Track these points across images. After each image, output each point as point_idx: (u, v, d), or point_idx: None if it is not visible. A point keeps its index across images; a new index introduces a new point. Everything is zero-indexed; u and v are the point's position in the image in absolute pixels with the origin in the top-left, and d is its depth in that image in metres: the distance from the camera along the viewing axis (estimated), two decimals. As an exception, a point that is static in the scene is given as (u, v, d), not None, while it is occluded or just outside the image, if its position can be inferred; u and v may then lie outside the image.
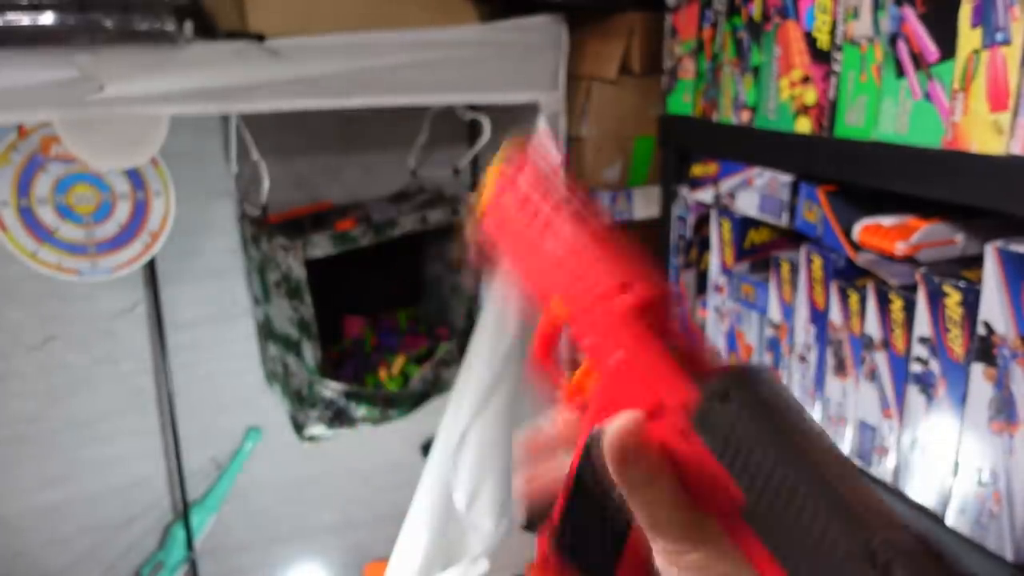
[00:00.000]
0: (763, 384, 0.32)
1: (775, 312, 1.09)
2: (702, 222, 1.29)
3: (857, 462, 0.97)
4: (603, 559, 0.37)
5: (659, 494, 0.33)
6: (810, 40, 0.95)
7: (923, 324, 0.84)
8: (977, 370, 0.78)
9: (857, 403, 0.96)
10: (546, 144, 0.44)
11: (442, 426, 1.49)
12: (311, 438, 1.52)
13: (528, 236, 0.43)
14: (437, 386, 1.56)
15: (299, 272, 1.36)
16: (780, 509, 0.29)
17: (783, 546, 0.28)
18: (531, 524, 0.42)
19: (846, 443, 0.98)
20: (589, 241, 0.40)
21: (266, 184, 1.37)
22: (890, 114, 0.84)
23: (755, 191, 1.08)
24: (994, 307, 0.75)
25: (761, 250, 1.17)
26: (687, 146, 1.28)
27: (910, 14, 0.80)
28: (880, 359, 0.91)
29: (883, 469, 0.93)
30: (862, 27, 0.87)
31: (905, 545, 0.26)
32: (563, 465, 0.40)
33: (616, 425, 0.34)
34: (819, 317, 1.00)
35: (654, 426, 0.34)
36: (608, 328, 0.37)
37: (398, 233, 1.47)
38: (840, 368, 0.98)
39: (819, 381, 1.02)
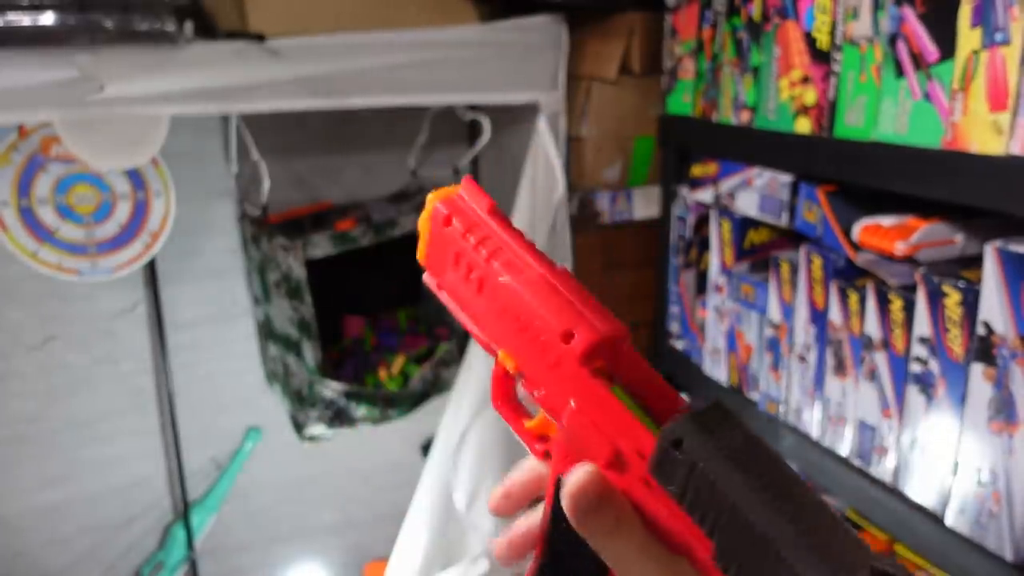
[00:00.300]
0: (718, 425, 0.31)
1: (775, 312, 1.09)
2: (702, 222, 1.29)
3: (857, 462, 0.97)
4: None
5: (626, 543, 0.32)
6: (810, 40, 0.95)
7: (923, 324, 0.84)
8: (977, 370, 0.78)
9: (857, 403, 0.96)
10: (475, 187, 0.40)
11: (442, 426, 1.49)
12: (311, 438, 1.52)
13: (467, 287, 0.40)
14: (437, 386, 1.56)
15: (299, 272, 1.36)
16: (749, 553, 0.28)
17: None
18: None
19: (846, 443, 0.99)
20: (528, 289, 0.38)
21: (266, 184, 1.37)
22: (890, 114, 0.84)
23: (755, 191, 1.08)
24: (994, 307, 0.75)
25: (761, 250, 1.17)
26: (687, 146, 1.28)
27: (910, 14, 0.80)
28: (880, 359, 0.91)
29: (883, 469, 0.93)
30: (862, 27, 0.87)
31: None
32: (536, 515, 0.40)
33: (572, 479, 0.33)
34: (819, 317, 1.00)
35: (615, 476, 0.33)
36: (559, 378, 0.36)
37: (398, 233, 1.47)
38: (840, 368, 0.98)
39: (819, 381, 1.02)
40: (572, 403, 0.36)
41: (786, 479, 0.30)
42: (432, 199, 0.42)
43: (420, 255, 0.43)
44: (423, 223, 0.43)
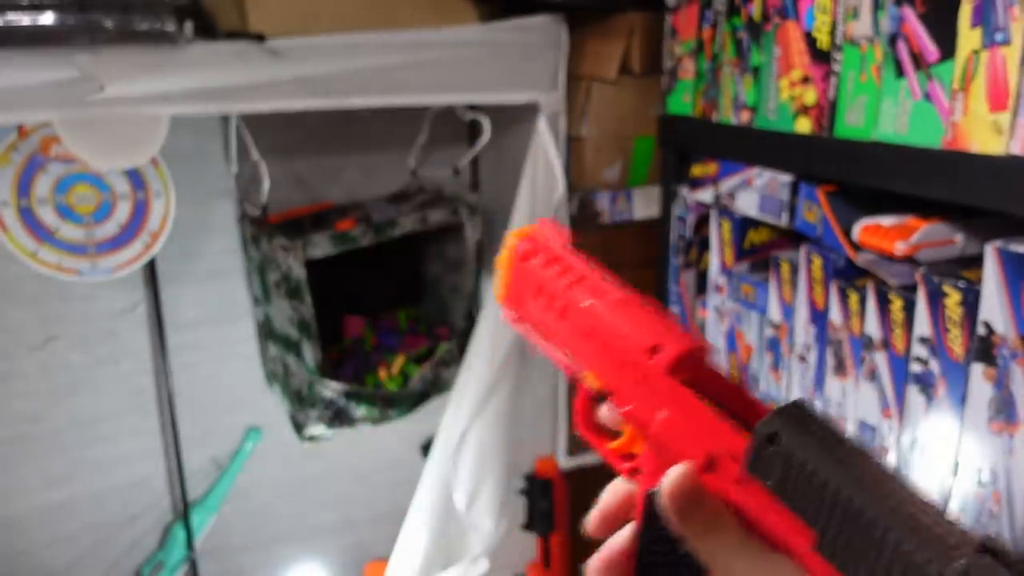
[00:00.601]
0: (807, 419, 0.32)
1: (775, 312, 1.09)
2: (702, 222, 1.29)
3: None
4: None
5: (724, 539, 0.33)
6: (810, 40, 0.95)
7: (923, 324, 0.84)
8: (977, 370, 0.78)
9: (857, 403, 0.96)
10: (552, 224, 0.44)
11: (442, 426, 1.49)
12: (311, 438, 1.52)
13: (549, 315, 0.43)
14: (437, 386, 1.56)
15: (299, 272, 1.36)
16: (855, 538, 0.29)
17: (865, 574, 0.29)
18: None
19: (846, 443, 0.98)
20: (611, 311, 0.40)
21: (266, 184, 1.37)
22: (890, 114, 0.84)
23: (755, 191, 1.08)
24: (994, 307, 0.75)
25: (761, 250, 1.17)
26: (687, 146, 1.28)
27: (910, 14, 0.80)
28: (880, 359, 0.91)
29: (883, 469, 0.93)
30: (862, 27, 0.87)
31: (989, 568, 0.27)
32: (626, 535, 0.40)
33: (671, 477, 0.34)
34: (819, 317, 1.00)
35: (709, 479, 0.34)
36: (646, 392, 0.38)
37: (398, 233, 1.47)
38: (840, 368, 0.98)
39: (819, 381, 1.02)
40: (662, 414, 0.37)
41: (880, 468, 0.30)
42: (511, 237, 0.46)
43: (498, 292, 0.46)
44: (502, 261, 0.46)
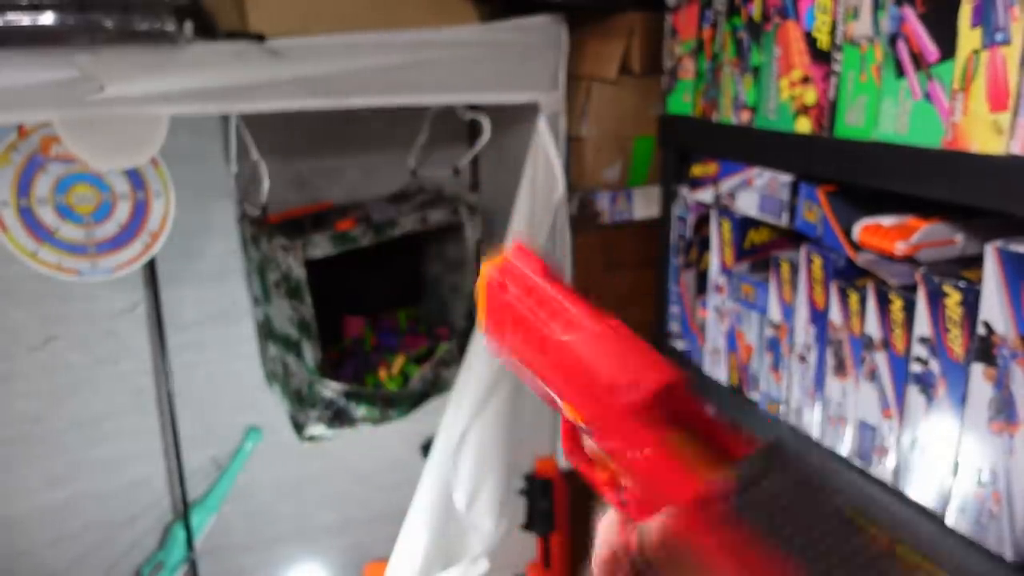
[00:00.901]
0: (788, 458, 0.34)
1: (775, 312, 1.09)
2: (702, 222, 1.29)
3: (857, 462, 0.97)
4: None
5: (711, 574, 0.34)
6: (810, 40, 0.95)
7: (923, 324, 0.84)
8: (977, 370, 0.78)
9: (857, 403, 0.96)
10: (526, 251, 0.46)
11: (442, 426, 1.49)
12: (311, 438, 1.52)
13: (528, 348, 0.42)
14: (437, 386, 1.56)
15: (299, 272, 1.36)
16: (841, 571, 0.31)
17: None
18: None
19: (846, 443, 0.98)
20: (587, 346, 0.40)
21: (266, 184, 1.37)
22: (890, 114, 0.84)
23: (755, 191, 1.08)
24: (994, 307, 0.75)
25: (761, 250, 1.17)
26: (687, 146, 1.28)
27: (910, 14, 0.80)
28: (880, 359, 0.91)
29: (883, 469, 0.93)
30: (862, 27, 0.87)
31: None
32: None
33: (654, 526, 0.35)
34: (819, 317, 1.00)
35: (694, 517, 0.35)
36: (626, 428, 0.38)
37: (398, 233, 1.47)
38: (840, 368, 0.98)
39: (819, 381, 1.02)
40: (645, 451, 0.37)
41: (832, 524, 0.32)
42: (486, 267, 0.45)
43: (480, 323, 0.46)
44: (479, 292, 0.45)
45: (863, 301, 0.92)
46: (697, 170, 1.23)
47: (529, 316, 0.42)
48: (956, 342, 0.80)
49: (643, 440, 0.37)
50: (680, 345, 1.37)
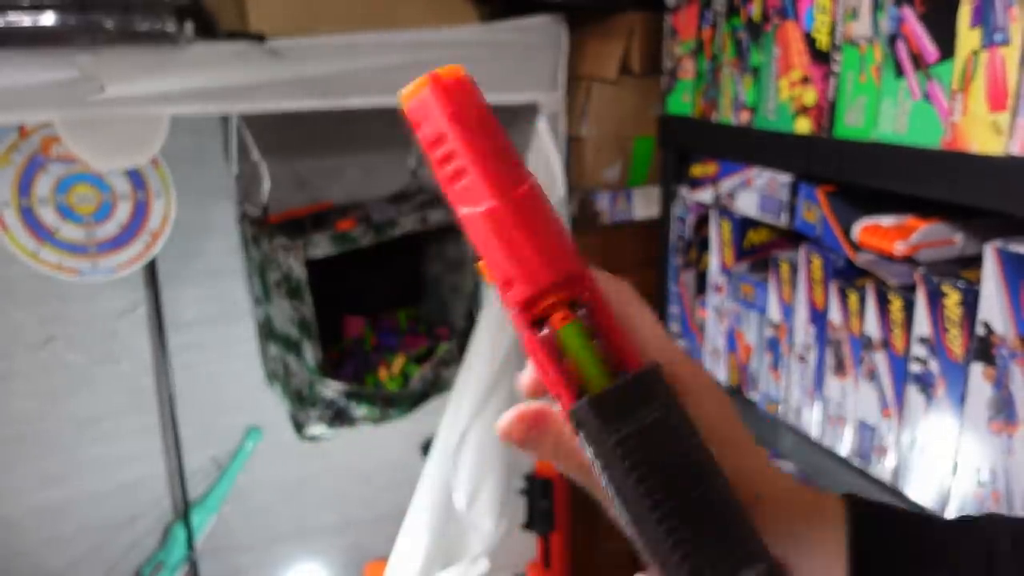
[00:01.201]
0: (623, 409, 0.33)
1: (775, 312, 1.09)
2: (702, 222, 1.29)
3: (857, 462, 0.97)
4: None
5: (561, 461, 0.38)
6: (809, 40, 0.95)
7: (922, 324, 0.84)
8: (976, 370, 0.78)
9: (856, 403, 0.96)
10: (441, 87, 0.34)
11: (442, 426, 1.49)
12: (311, 438, 1.52)
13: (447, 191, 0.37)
14: (437, 386, 1.56)
15: (299, 272, 1.36)
16: (635, 518, 0.33)
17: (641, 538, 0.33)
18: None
19: (846, 443, 0.99)
20: (480, 224, 0.35)
21: (266, 184, 1.37)
22: (889, 114, 0.84)
23: (754, 191, 1.09)
24: (993, 307, 0.75)
25: (761, 250, 1.17)
26: (687, 146, 1.28)
27: (909, 14, 0.80)
28: (879, 359, 0.91)
29: (882, 469, 0.93)
30: (861, 27, 0.87)
31: None
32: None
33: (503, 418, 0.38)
34: (818, 317, 1.00)
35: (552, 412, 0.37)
36: (516, 321, 0.36)
37: (398, 233, 1.47)
38: (839, 368, 0.98)
39: (818, 381, 1.02)
40: (528, 347, 0.36)
41: (676, 472, 0.33)
42: (403, 98, 0.36)
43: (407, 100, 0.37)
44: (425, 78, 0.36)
45: (862, 301, 0.92)
46: (697, 170, 1.23)
47: (439, 169, 0.36)
48: (955, 342, 0.80)
49: (525, 337, 0.35)
50: (680, 345, 1.37)
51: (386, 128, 1.61)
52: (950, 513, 0.84)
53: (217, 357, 1.61)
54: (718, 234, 1.20)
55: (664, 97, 1.31)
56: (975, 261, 0.79)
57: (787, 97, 1.00)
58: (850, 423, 0.97)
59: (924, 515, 0.40)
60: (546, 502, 1.64)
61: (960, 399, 0.81)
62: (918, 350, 0.85)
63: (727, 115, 1.14)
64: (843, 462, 0.99)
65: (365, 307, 1.72)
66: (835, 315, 0.97)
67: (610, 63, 1.38)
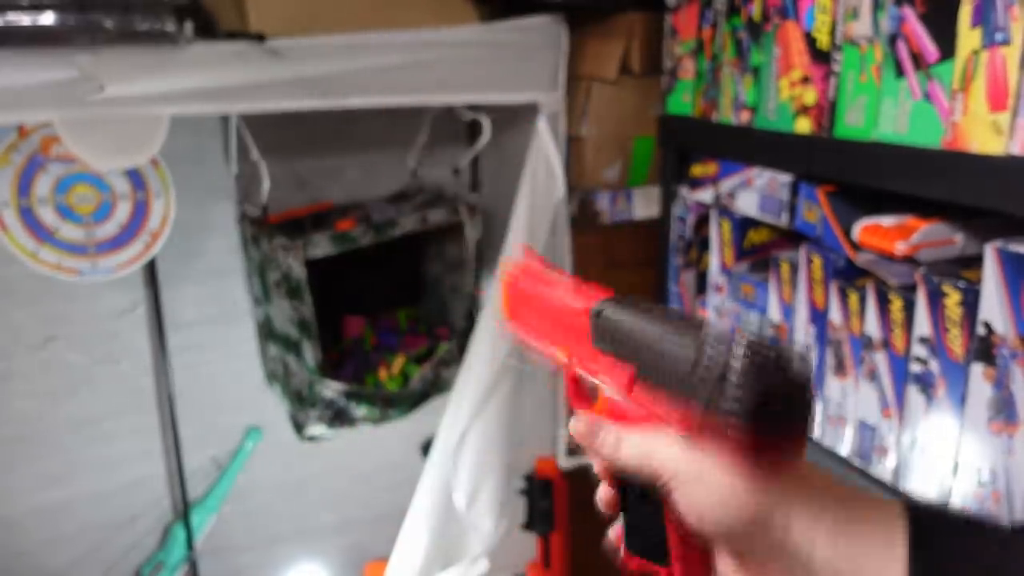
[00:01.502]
0: (626, 301, 0.48)
1: (775, 312, 1.09)
2: (702, 222, 1.29)
3: (857, 462, 0.97)
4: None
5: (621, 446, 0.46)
6: (810, 40, 0.95)
7: (923, 324, 0.84)
8: (977, 370, 0.78)
9: (857, 403, 0.96)
10: (530, 254, 0.64)
11: (442, 426, 1.49)
12: (311, 438, 1.52)
13: (534, 315, 0.56)
14: (437, 386, 1.56)
15: (299, 272, 1.36)
16: (649, 362, 0.44)
17: (662, 379, 0.43)
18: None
19: (846, 443, 0.99)
20: (562, 295, 0.53)
21: (266, 184, 1.37)
22: (890, 114, 0.84)
23: (755, 191, 1.08)
24: (993, 307, 0.75)
25: (761, 250, 1.17)
26: (687, 146, 1.28)
27: (910, 14, 0.80)
28: (880, 359, 0.91)
29: (883, 469, 0.93)
30: (862, 27, 0.87)
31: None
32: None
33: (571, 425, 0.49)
34: (819, 317, 1.00)
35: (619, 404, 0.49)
36: (585, 348, 0.50)
37: (398, 233, 1.47)
38: (840, 368, 0.98)
39: (819, 381, 1.02)
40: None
41: (670, 316, 0.45)
42: (503, 269, 0.60)
43: (500, 311, 0.60)
44: (500, 286, 0.60)
45: (863, 301, 0.92)
46: (697, 170, 1.23)
47: (538, 295, 0.56)
48: (956, 342, 0.80)
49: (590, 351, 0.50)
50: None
51: (386, 128, 1.61)
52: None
53: (217, 357, 1.61)
54: (718, 234, 1.20)
55: (664, 97, 1.31)
56: (975, 261, 0.79)
57: (787, 97, 1.00)
58: (850, 423, 0.97)
59: (983, 521, 0.43)
60: (546, 502, 1.64)
61: (960, 399, 0.81)
62: (918, 350, 0.85)
63: (727, 115, 1.13)
64: (844, 462, 0.99)
65: (365, 307, 1.71)
66: (835, 315, 0.97)
67: (610, 63, 1.38)
